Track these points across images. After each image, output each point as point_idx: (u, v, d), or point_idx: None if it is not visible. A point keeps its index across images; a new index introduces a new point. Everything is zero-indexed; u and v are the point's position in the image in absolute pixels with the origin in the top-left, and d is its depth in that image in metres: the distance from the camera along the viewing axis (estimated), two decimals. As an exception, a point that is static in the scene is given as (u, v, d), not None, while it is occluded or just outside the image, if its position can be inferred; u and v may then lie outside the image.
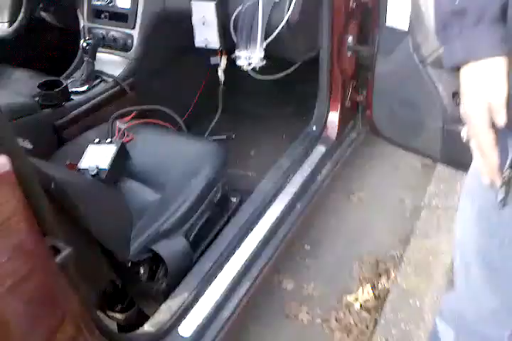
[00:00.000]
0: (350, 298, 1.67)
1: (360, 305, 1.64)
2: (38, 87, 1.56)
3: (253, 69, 1.58)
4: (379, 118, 1.71)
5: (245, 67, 1.55)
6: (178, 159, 1.43)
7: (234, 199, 1.59)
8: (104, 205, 1.07)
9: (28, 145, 0.80)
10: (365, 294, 1.67)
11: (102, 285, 1.10)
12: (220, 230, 1.47)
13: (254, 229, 1.43)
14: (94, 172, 1.37)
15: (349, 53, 1.79)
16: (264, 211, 1.47)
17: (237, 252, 1.36)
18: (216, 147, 1.47)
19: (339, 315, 1.64)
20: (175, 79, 1.93)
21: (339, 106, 1.77)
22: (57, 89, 1.57)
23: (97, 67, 1.75)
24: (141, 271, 1.22)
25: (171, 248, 1.27)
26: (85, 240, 0.99)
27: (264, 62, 1.55)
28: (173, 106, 1.76)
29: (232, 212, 1.54)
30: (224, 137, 2.13)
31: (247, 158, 2.07)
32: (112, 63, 1.80)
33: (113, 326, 1.22)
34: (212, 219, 1.43)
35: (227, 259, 1.33)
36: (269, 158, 1.84)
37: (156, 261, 1.26)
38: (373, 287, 1.70)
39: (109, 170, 1.39)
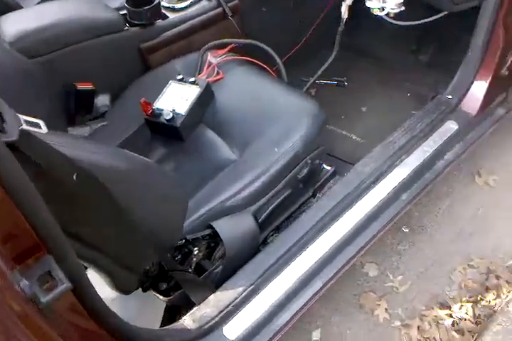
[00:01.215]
0: (442, 312, 1.37)
1: (453, 323, 1.34)
2: (126, 2, 1.36)
3: (387, 14, 1.21)
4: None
5: (377, 12, 1.21)
6: (267, 116, 1.18)
7: (327, 168, 1.30)
8: (150, 193, 0.85)
9: (42, 130, 0.57)
10: (462, 310, 1.36)
11: (142, 268, 0.92)
12: (299, 208, 1.21)
13: (343, 217, 1.14)
14: (169, 116, 1.24)
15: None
16: (360, 196, 1.16)
17: (315, 244, 1.10)
18: (315, 108, 1.16)
19: (424, 324, 1.36)
20: (286, 9, 1.58)
21: (491, 73, 1.31)
22: (146, 7, 1.35)
23: (201, -20, 1.46)
24: (194, 252, 1.02)
25: (234, 227, 1.05)
26: (123, 222, 0.79)
27: (403, 8, 1.21)
28: (277, 40, 1.45)
29: (320, 186, 1.27)
30: (334, 83, 1.77)
31: (355, 114, 1.69)
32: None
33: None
34: (293, 196, 1.17)
35: (300, 250, 1.08)
36: (384, 121, 1.48)
37: (214, 240, 1.05)
38: (475, 303, 1.37)
39: (186, 117, 1.24)
